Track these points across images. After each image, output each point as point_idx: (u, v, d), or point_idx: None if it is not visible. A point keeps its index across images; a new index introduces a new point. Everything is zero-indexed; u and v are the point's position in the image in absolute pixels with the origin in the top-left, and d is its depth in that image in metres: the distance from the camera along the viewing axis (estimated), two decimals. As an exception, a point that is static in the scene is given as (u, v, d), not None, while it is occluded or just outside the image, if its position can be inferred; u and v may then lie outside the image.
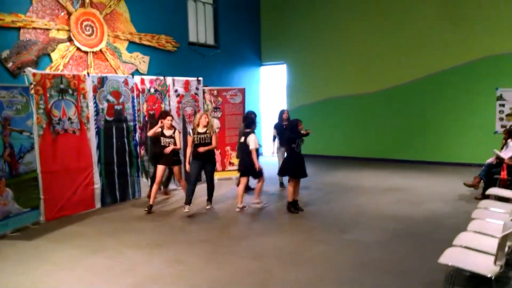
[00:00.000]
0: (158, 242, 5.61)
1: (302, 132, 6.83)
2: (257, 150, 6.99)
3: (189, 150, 6.93)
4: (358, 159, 12.21)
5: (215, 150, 7.15)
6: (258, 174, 7.07)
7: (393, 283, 4.23)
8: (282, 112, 8.63)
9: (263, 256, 5.05)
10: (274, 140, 8.63)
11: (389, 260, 4.84)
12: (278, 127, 8.50)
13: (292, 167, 6.83)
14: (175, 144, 7.05)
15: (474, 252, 3.80)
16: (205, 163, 6.96)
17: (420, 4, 11.18)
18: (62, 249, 5.38)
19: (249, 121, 7.19)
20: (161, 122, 7.12)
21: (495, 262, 3.43)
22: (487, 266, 3.45)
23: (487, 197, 6.00)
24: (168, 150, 6.96)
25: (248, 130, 7.06)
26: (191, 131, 6.97)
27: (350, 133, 12.53)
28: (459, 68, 10.77)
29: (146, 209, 6.95)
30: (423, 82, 11.30)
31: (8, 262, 4.97)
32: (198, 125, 6.88)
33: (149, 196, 7.25)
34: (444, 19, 10.86)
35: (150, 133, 7.25)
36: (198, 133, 6.83)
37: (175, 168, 7.25)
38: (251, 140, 6.90)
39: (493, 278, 3.35)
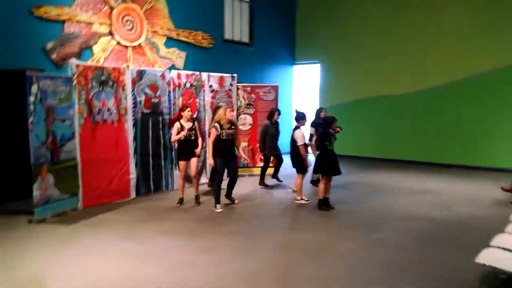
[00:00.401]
0: (189, 231, 5.73)
1: (334, 129, 6.79)
2: (305, 145, 7.11)
3: (211, 145, 6.68)
4: (391, 161, 12.00)
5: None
6: (300, 169, 7.21)
7: (421, 283, 4.16)
8: (319, 111, 8.57)
9: (291, 250, 5.08)
10: (310, 139, 8.60)
11: (418, 261, 4.75)
12: (315, 125, 8.48)
13: (324, 164, 6.81)
14: (195, 136, 6.96)
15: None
16: (231, 159, 6.85)
17: (462, 3, 10.88)
18: (98, 234, 5.58)
19: (298, 116, 7.32)
20: (180, 115, 6.94)
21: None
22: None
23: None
24: (198, 151, 6.99)
25: (296, 125, 7.20)
26: (217, 125, 6.66)
27: (383, 135, 12.34)
28: (498, 71, 10.42)
29: (178, 203, 7.02)
30: (460, 84, 10.99)
31: (47, 245, 5.20)
32: (223, 120, 6.66)
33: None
34: (486, 20, 10.54)
35: (174, 138, 6.93)
36: (227, 129, 6.67)
37: (194, 161, 7.00)
38: (298, 136, 7.05)
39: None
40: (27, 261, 4.65)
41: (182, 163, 6.98)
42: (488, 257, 3.59)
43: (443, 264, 4.66)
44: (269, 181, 8.85)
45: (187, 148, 6.91)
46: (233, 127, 6.81)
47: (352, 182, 9.19)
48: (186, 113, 6.89)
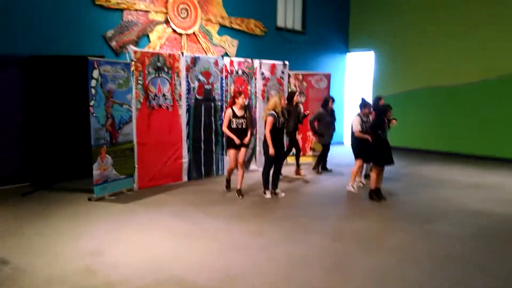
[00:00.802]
0: (239, 215, 5.82)
1: (389, 118, 6.61)
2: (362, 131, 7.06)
3: (269, 134, 6.46)
4: (447, 154, 11.48)
5: None
6: (358, 155, 7.28)
7: (479, 277, 3.98)
8: (378, 99, 8.25)
9: (341, 238, 5.02)
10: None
11: (472, 254, 4.55)
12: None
13: (377, 154, 6.64)
14: (246, 125, 6.72)
15: None
16: (281, 150, 6.79)
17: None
18: (151, 213, 5.80)
19: (360, 104, 7.25)
20: (234, 101, 6.68)
21: None
22: None
23: None
24: (247, 141, 6.69)
25: (358, 113, 7.21)
26: (274, 113, 6.49)
27: (438, 126, 11.80)
28: None
29: (226, 187, 7.10)
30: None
31: (104, 220, 5.50)
32: (278, 108, 6.51)
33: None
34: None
35: (225, 130, 6.69)
36: (281, 117, 6.56)
37: (244, 149, 6.80)
38: (354, 122, 7.15)
39: None
40: (87, 234, 4.94)
41: (232, 152, 6.74)
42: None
43: (503, 259, 4.43)
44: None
45: (237, 136, 6.62)
46: (285, 116, 6.76)
47: (405, 174, 8.91)
48: (241, 100, 6.62)
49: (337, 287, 3.75)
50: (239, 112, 6.66)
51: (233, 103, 6.71)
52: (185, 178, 7.80)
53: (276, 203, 6.51)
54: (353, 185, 7.35)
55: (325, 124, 8.46)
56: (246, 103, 7.14)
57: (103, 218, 5.60)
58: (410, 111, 11.96)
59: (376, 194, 6.73)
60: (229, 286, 3.70)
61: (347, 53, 13.82)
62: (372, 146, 6.72)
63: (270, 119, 6.48)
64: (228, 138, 6.75)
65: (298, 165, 8.52)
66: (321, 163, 8.95)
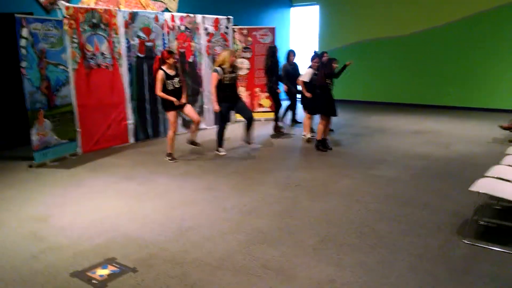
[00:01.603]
0: (189, 173, 5.80)
1: (333, 67, 6.70)
2: (305, 82, 7.37)
3: (214, 89, 6.37)
4: (391, 104, 11.97)
5: None
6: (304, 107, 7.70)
7: (418, 213, 4.27)
8: (322, 55, 8.20)
9: (289, 187, 5.16)
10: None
11: (415, 194, 4.86)
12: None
13: (324, 105, 6.77)
14: (181, 83, 6.33)
15: (507, 182, 3.76)
16: (236, 101, 6.63)
17: None
18: (98, 177, 5.64)
19: (312, 56, 7.66)
20: (163, 62, 6.19)
21: (528, 191, 3.39)
22: (520, 195, 3.42)
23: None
24: (184, 100, 6.32)
25: (310, 65, 7.57)
26: (218, 69, 6.34)
27: (383, 78, 12.21)
28: (501, 9, 10.15)
29: (170, 159, 6.46)
30: (461, 24, 10.74)
31: (47, 186, 5.28)
32: (226, 64, 6.36)
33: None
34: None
35: (160, 94, 6.17)
36: (229, 73, 6.41)
37: (189, 106, 6.51)
38: (304, 73, 7.54)
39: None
40: (32, 201, 4.74)
41: (172, 114, 6.25)
42: (482, 185, 3.64)
43: (441, 196, 4.77)
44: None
45: (175, 97, 6.17)
46: (235, 71, 6.57)
47: (350, 124, 9.21)
48: (171, 61, 6.16)
49: (285, 230, 3.88)
50: (171, 72, 6.19)
51: (162, 63, 6.20)
52: (131, 139, 7.61)
53: (226, 159, 6.53)
54: (305, 134, 7.64)
55: (289, 77, 8.37)
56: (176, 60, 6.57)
57: (47, 184, 5.38)
58: (355, 64, 12.17)
59: (322, 145, 6.92)
60: (182, 239, 3.73)
61: (291, 8, 13.69)
62: (320, 97, 6.83)
63: (214, 75, 6.38)
64: (165, 101, 6.20)
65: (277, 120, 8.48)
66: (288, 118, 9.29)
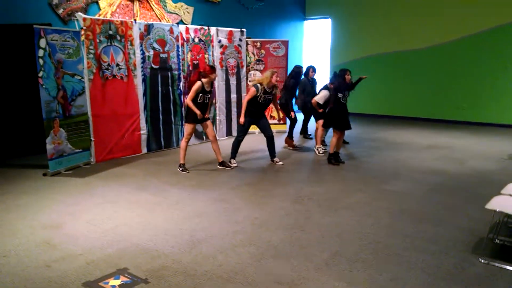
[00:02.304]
0: (202, 184, 5.81)
1: (347, 79, 6.69)
2: (319, 104, 7.38)
3: (245, 102, 6.49)
4: (403, 118, 11.92)
5: None
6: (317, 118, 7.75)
7: (432, 230, 4.21)
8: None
9: (301, 200, 5.14)
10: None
11: (429, 210, 4.80)
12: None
13: (336, 118, 6.76)
14: (209, 100, 6.44)
15: (523, 200, 3.70)
16: (260, 118, 6.71)
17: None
18: (110, 186, 5.68)
19: (332, 77, 7.66)
20: (204, 76, 6.21)
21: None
22: (537, 213, 3.36)
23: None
24: (207, 115, 6.43)
25: (327, 84, 7.63)
26: (258, 85, 6.45)
27: (395, 92, 12.18)
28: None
29: (182, 170, 6.45)
30: (474, 39, 10.72)
31: (61, 194, 5.33)
32: (265, 84, 6.42)
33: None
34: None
35: (190, 104, 6.17)
36: (266, 93, 6.47)
37: (209, 122, 6.55)
38: (320, 92, 7.51)
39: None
40: (45, 209, 4.78)
41: (190, 127, 6.32)
42: (498, 203, 3.59)
43: (455, 212, 4.71)
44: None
45: (201, 111, 6.20)
46: (273, 92, 6.58)
47: (364, 138, 9.18)
48: (214, 76, 6.29)
49: (297, 244, 3.86)
50: (207, 87, 6.26)
51: (203, 76, 6.21)
52: (144, 150, 7.66)
53: (238, 171, 6.54)
54: (318, 148, 7.57)
55: (307, 93, 8.34)
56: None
57: (61, 192, 5.43)
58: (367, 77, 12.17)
59: (335, 158, 6.90)
60: (194, 251, 3.72)
61: (304, 21, 13.78)
62: (332, 111, 6.82)
63: (252, 89, 6.51)
64: (189, 111, 6.23)
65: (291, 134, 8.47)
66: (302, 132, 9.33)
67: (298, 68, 8.34)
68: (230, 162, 6.74)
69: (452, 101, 11.23)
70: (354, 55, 12.70)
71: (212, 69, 6.29)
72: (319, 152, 7.54)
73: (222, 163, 6.63)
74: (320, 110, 7.38)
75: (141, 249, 3.77)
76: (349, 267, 3.44)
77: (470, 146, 8.31)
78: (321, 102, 7.35)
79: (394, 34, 11.97)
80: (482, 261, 3.52)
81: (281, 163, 6.88)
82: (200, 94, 6.19)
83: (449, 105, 11.29)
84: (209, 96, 6.36)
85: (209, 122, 6.53)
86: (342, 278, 3.25)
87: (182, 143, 6.43)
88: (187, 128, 6.36)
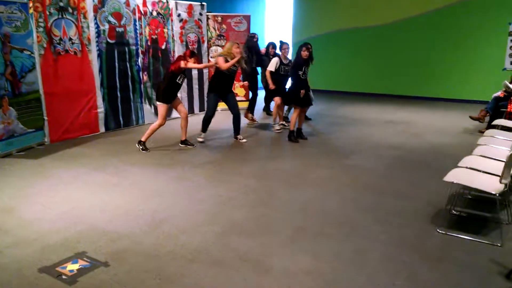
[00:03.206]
0: (163, 163, 5.66)
1: (303, 55, 6.61)
2: (272, 72, 7.31)
3: (205, 65, 7.10)
4: (364, 94, 12.09)
5: None
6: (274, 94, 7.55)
7: (393, 202, 4.31)
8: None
9: (265, 177, 5.12)
10: None
11: (389, 183, 4.91)
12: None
13: (297, 95, 6.73)
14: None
15: (479, 172, 3.82)
16: (228, 94, 6.67)
17: None
18: (66, 167, 5.43)
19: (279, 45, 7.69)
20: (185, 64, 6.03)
21: (500, 181, 3.45)
22: (492, 185, 3.48)
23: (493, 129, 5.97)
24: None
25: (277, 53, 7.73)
26: (224, 58, 6.39)
27: (355, 68, 12.30)
28: (469, 1, 10.36)
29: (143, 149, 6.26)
30: (431, 16, 10.93)
31: (13, 177, 5.04)
32: (231, 55, 6.38)
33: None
34: None
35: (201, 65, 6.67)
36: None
37: (178, 101, 6.40)
38: (271, 63, 7.44)
39: (497, 196, 3.38)
40: (-5, 193, 4.52)
41: (165, 106, 6.09)
42: (455, 176, 3.69)
43: (415, 185, 4.83)
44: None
45: (175, 90, 6.17)
46: (236, 64, 6.50)
47: (325, 114, 9.24)
48: (192, 61, 6.10)
49: (261, 220, 3.84)
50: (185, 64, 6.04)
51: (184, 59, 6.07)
52: (102, 129, 7.37)
53: (200, 149, 6.43)
54: (274, 125, 7.56)
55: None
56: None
57: (13, 175, 5.13)
58: (326, 53, 12.22)
59: (295, 135, 6.89)
60: (156, 232, 3.62)
61: (266, -5, 13.58)
62: (292, 87, 6.79)
63: (220, 59, 6.40)
64: (166, 91, 6.04)
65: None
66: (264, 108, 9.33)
67: (250, 37, 8.45)
68: (199, 134, 6.72)
69: (410, 77, 11.47)
70: (316, 31, 12.67)
71: (192, 54, 6.13)
72: (275, 129, 7.50)
73: (184, 142, 6.48)
74: (272, 87, 7.28)
75: (100, 231, 3.63)
76: (313, 242, 3.45)
77: (428, 121, 8.55)
78: (272, 69, 7.29)
79: (356, 10, 12.01)
80: (441, 231, 3.63)
81: (244, 140, 6.83)
82: (181, 74, 6.10)
83: (407, 81, 11.54)
84: (183, 77, 6.21)
85: (178, 99, 6.39)
86: (307, 253, 3.26)
87: (155, 124, 6.16)
88: (161, 108, 6.09)
